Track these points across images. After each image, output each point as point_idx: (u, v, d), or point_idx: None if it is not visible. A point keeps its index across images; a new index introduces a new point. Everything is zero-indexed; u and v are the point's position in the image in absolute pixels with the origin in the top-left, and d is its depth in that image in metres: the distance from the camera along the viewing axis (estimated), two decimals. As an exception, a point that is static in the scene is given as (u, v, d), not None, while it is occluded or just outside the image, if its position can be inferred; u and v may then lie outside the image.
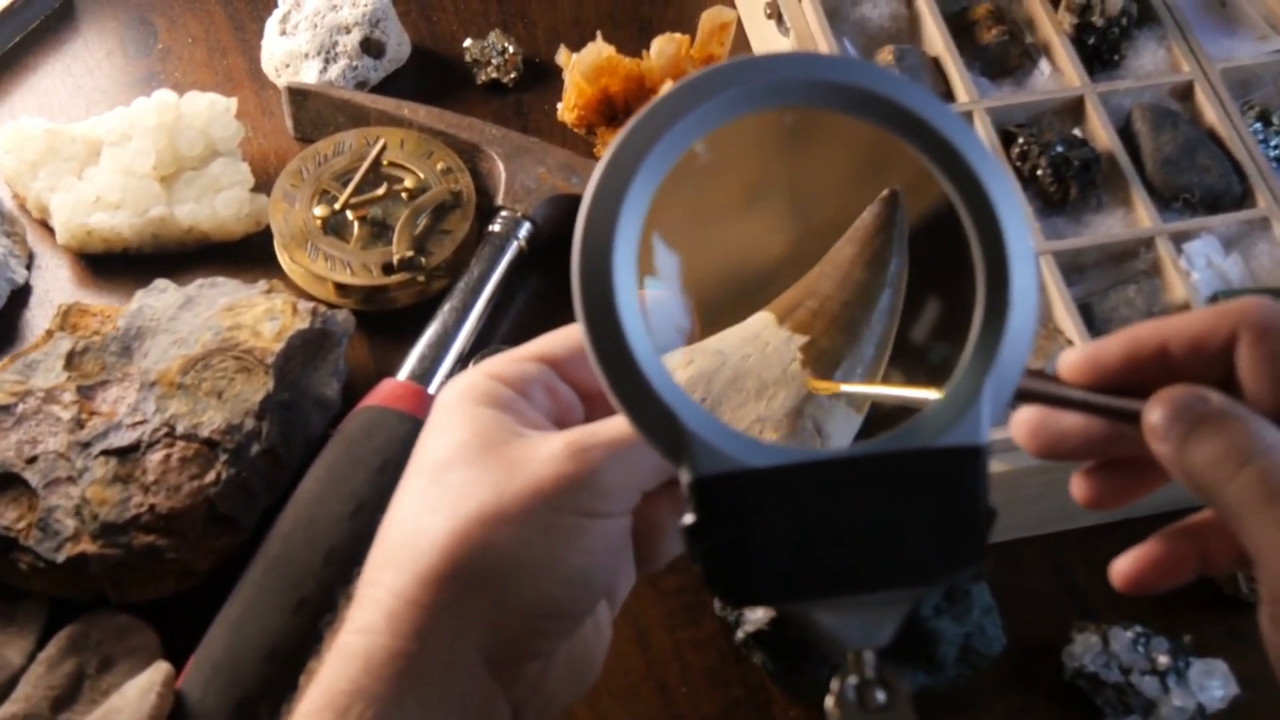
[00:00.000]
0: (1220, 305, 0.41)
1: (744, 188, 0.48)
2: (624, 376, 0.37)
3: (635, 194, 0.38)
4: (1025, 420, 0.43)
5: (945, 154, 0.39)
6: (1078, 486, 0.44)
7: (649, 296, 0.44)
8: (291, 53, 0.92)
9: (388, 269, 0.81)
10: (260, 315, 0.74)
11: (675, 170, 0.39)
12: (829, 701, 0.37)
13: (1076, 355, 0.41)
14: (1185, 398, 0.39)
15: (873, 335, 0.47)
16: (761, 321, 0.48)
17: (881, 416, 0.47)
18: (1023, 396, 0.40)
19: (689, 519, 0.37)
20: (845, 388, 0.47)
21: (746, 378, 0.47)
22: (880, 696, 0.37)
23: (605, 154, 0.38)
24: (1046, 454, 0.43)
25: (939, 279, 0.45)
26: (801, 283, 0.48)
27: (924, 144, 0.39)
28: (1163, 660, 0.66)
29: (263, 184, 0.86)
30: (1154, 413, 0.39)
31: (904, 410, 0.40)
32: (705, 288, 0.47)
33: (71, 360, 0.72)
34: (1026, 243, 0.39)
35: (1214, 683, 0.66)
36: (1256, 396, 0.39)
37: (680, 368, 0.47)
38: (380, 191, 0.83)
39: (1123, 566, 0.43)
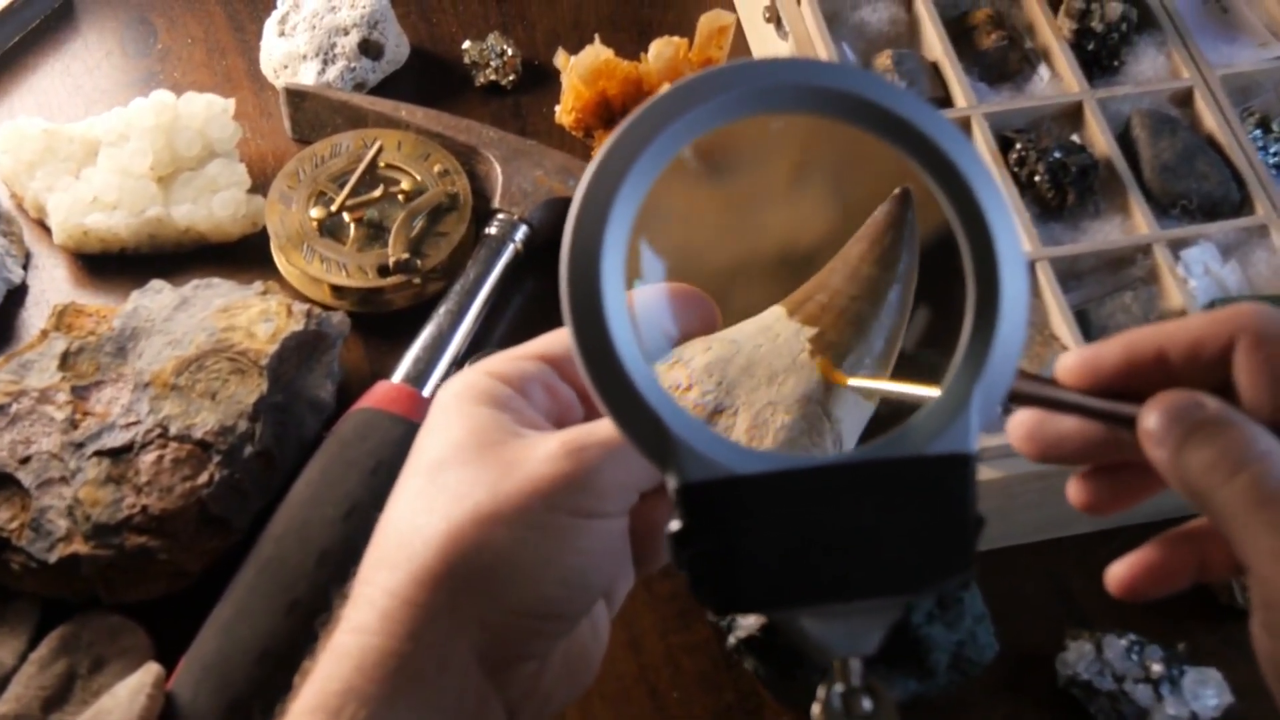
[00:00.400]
0: (1218, 311, 0.40)
1: (751, 183, 0.49)
2: (610, 382, 0.37)
3: (625, 198, 0.37)
4: (1022, 423, 0.43)
5: (937, 161, 0.39)
6: (1074, 491, 0.44)
7: (638, 302, 0.44)
8: (290, 54, 0.92)
9: (383, 271, 0.81)
10: (255, 317, 0.74)
11: (670, 170, 0.39)
12: (815, 709, 0.37)
13: (1074, 358, 0.41)
14: (1181, 403, 0.39)
15: (881, 329, 0.48)
16: (774, 314, 0.49)
17: (886, 414, 0.48)
18: (1019, 399, 0.40)
19: (675, 525, 0.37)
20: (853, 383, 0.47)
21: (758, 365, 0.47)
22: (866, 704, 0.36)
23: (596, 157, 0.38)
24: (1043, 457, 0.43)
25: (946, 284, 0.45)
26: (814, 278, 0.49)
27: (916, 151, 0.39)
28: (1156, 669, 0.66)
29: (260, 185, 0.86)
30: (1150, 417, 0.39)
31: (902, 412, 0.40)
32: (719, 283, 0.48)
33: (66, 360, 0.72)
34: (1017, 250, 0.39)
35: (1208, 692, 0.66)
36: (1253, 403, 0.39)
37: (700, 353, 0.48)
38: (377, 193, 0.83)
39: (1119, 572, 0.43)
